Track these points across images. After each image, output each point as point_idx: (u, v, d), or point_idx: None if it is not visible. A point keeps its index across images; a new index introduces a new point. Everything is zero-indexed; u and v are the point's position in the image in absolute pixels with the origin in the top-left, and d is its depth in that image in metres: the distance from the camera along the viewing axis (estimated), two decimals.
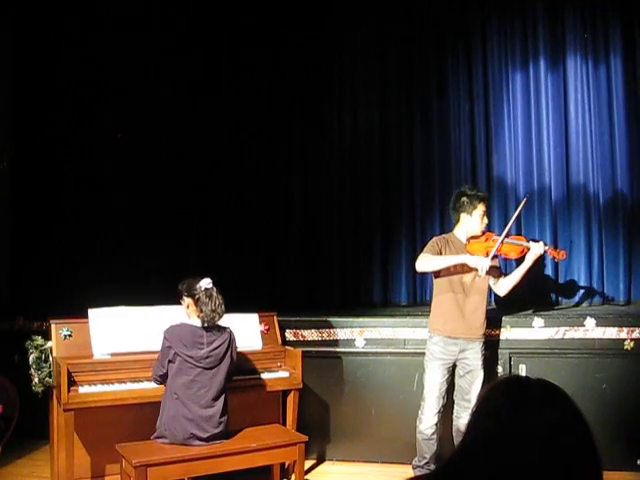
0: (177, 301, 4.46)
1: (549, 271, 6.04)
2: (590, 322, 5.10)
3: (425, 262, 4.79)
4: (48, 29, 6.83)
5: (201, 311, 4.29)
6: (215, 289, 4.37)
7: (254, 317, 5.36)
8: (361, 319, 5.61)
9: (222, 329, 4.41)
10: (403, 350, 5.41)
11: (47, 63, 6.81)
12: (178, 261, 6.52)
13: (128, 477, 4.08)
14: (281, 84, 6.95)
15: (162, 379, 4.33)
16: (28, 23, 6.76)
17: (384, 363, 5.48)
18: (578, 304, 5.92)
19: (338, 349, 5.57)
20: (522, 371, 5.13)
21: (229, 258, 6.86)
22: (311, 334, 5.62)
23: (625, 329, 5.05)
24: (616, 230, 5.92)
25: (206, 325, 4.31)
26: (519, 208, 5.05)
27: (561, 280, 6.06)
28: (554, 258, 5.12)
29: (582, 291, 5.95)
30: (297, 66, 6.92)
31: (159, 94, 6.81)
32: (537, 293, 5.99)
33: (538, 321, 5.20)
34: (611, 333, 5.07)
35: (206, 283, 4.36)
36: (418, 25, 6.64)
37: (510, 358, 5.21)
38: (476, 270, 4.72)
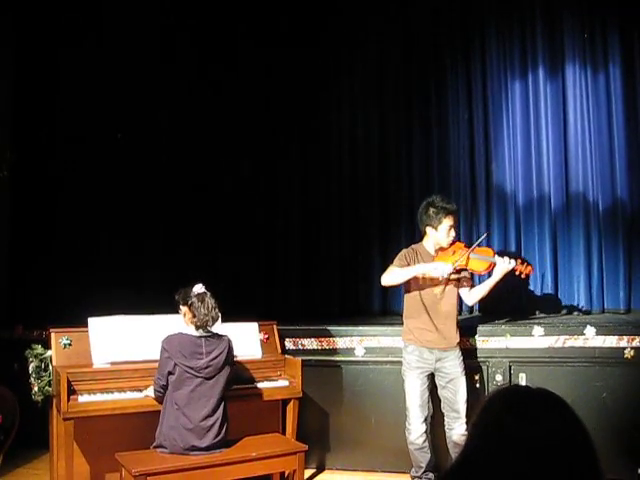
0: (175, 310, 4.48)
1: (548, 280, 6.03)
2: (590, 331, 5.09)
3: (387, 276, 4.85)
4: (48, 31, 6.85)
5: (194, 316, 4.31)
6: (208, 294, 4.39)
7: (254, 326, 5.36)
8: (361, 328, 5.60)
9: (220, 337, 4.42)
10: (402, 359, 5.40)
11: (47, 67, 6.82)
12: (176, 270, 6.51)
13: None
14: (280, 95, 6.97)
15: (164, 390, 4.33)
16: (29, 26, 6.77)
17: (384, 372, 5.47)
18: (578, 313, 5.91)
19: (338, 358, 5.56)
20: (522, 380, 5.12)
21: (228, 268, 6.86)
22: (311, 343, 5.61)
23: (625, 338, 5.04)
24: (616, 238, 5.93)
25: (202, 331, 4.32)
26: (478, 241, 5.01)
27: (560, 288, 6.06)
28: (521, 273, 4.92)
29: (582, 299, 5.95)
30: (296, 77, 6.93)
31: (160, 96, 6.82)
32: (536, 302, 6.00)
33: (538, 330, 5.19)
34: (611, 342, 5.06)
35: (198, 288, 4.39)
36: (417, 34, 6.66)
37: (510, 367, 5.20)
38: (445, 282, 4.78)
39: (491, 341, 5.24)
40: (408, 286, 4.88)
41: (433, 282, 4.82)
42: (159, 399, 4.42)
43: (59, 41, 6.87)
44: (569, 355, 5.12)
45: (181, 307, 4.42)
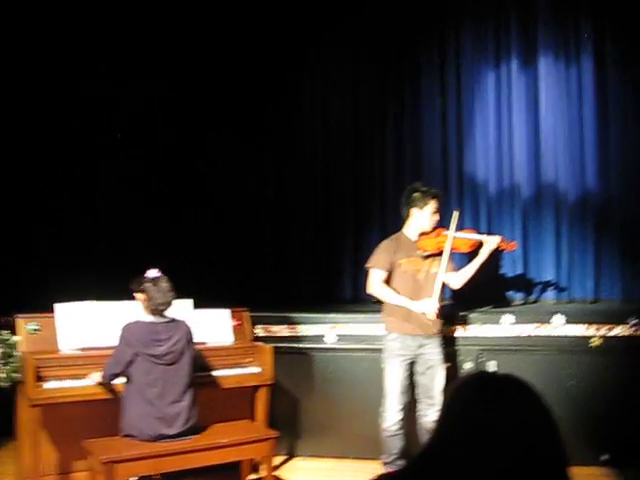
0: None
1: (518, 268, 6.09)
2: (558, 319, 5.15)
3: (377, 290, 4.86)
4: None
5: (150, 300, 4.27)
6: (164, 277, 4.35)
7: (225, 312, 5.34)
8: (332, 315, 5.61)
9: (179, 323, 4.39)
10: (374, 346, 5.40)
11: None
12: (147, 259, 6.43)
13: (96, 474, 4.04)
14: (250, 88, 6.89)
15: (115, 377, 4.30)
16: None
17: (355, 359, 5.48)
18: (547, 302, 5.98)
19: (309, 345, 5.56)
20: (492, 367, 5.17)
21: (199, 254, 6.82)
22: (282, 330, 5.60)
23: (593, 326, 5.10)
24: (584, 228, 6.00)
25: (159, 317, 4.29)
26: (454, 220, 4.91)
27: (530, 277, 6.12)
28: (504, 250, 5.11)
29: (551, 289, 6.02)
30: (266, 65, 6.86)
31: (146, 92, 6.73)
32: (506, 290, 6.06)
33: (507, 318, 5.24)
34: (578, 330, 5.13)
35: (153, 273, 4.35)
36: (392, 23, 6.64)
37: (479, 355, 5.25)
38: (429, 266, 4.80)
39: (461, 329, 5.27)
40: (391, 273, 4.88)
41: (416, 268, 4.82)
42: (107, 387, 4.40)
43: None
44: (537, 343, 5.18)
45: (137, 295, 4.37)
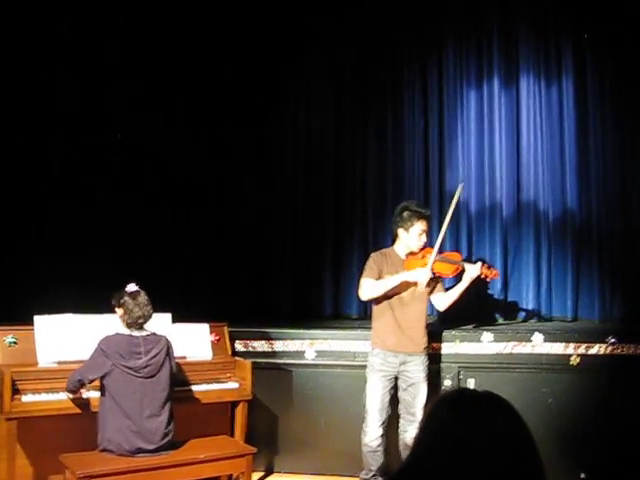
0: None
1: (498, 287, 6.11)
2: (538, 337, 5.17)
3: (367, 290, 4.86)
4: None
5: (128, 314, 4.27)
6: (142, 292, 4.37)
7: (204, 327, 5.32)
8: (312, 331, 5.60)
9: (158, 337, 4.39)
10: (353, 363, 5.41)
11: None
12: (124, 273, 6.38)
13: None
14: (234, 105, 6.91)
15: (80, 387, 4.29)
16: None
17: (334, 375, 5.47)
18: (526, 320, 6.01)
19: (288, 361, 5.55)
20: (471, 385, 5.17)
21: (177, 269, 6.78)
22: (261, 345, 5.59)
23: (571, 345, 5.13)
24: (564, 247, 6.03)
25: (137, 330, 4.28)
26: (439, 239, 4.97)
27: (510, 296, 6.15)
28: (486, 277, 5.09)
29: (530, 307, 6.04)
30: (250, 88, 6.88)
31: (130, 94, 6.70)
32: (486, 308, 6.07)
33: (487, 336, 5.26)
34: (558, 348, 5.15)
35: (130, 287, 4.37)
36: (375, 40, 6.69)
37: (459, 372, 5.26)
38: (415, 285, 4.81)
39: (441, 347, 5.28)
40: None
41: (402, 286, 4.83)
42: (83, 401, 4.40)
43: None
44: (517, 361, 5.20)
45: (116, 309, 4.39)
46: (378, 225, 6.63)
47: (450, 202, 5.09)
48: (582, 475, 4.98)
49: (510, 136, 6.21)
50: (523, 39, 6.21)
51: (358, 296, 5.06)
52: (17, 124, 6.23)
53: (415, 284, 4.83)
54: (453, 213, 5.06)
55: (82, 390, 4.40)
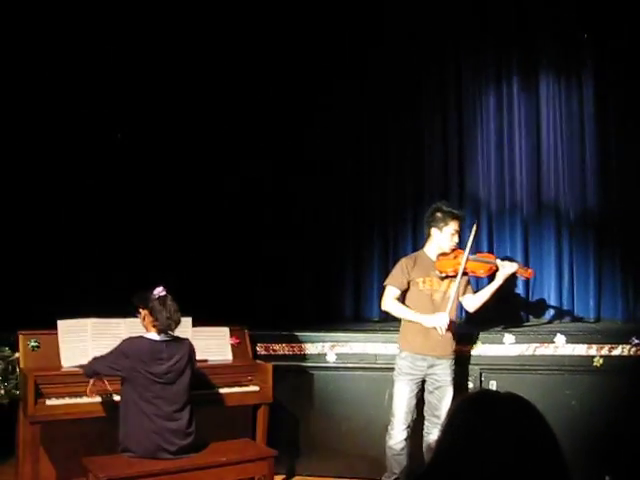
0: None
1: (520, 288, 6.08)
2: (560, 339, 5.14)
3: (389, 306, 4.92)
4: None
5: (156, 320, 4.24)
6: (169, 297, 4.32)
7: (225, 330, 5.34)
8: (332, 334, 5.59)
9: (181, 341, 4.38)
10: (374, 365, 5.41)
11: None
12: (145, 274, 6.41)
13: None
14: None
15: (96, 376, 4.30)
16: None
17: (355, 378, 5.46)
18: (548, 321, 5.97)
19: (309, 364, 5.55)
20: (492, 387, 5.14)
21: (199, 271, 6.80)
22: (282, 348, 5.59)
23: (594, 346, 5.08)
24: (586, 247, 5.99)
25: (163, 335, 4.26)
26: (471, 237, 4.96)
27: (532, 297, 6.11)
28: (522, 276, 5.18)
29: (552, 308, 6.00)
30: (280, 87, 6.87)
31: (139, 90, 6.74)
32: (508, 309, 6.02)
33: (509, 337, 5.22)
34: (581, 350, 5.11)
35: (159, 291, 4.31)
36: (395, 43, 6.64)
37: (481, 374, 5.23)
38: (447, 287, 4.79)
39: (462, 348, 5.25)
40: (407, 292, 4.90)
41: (433, 288, 4.84)
42: (108, 404, 4.43)
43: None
44: (539, 363, 5.16)
45: (140, 310, 4.35)
46: (398, 226, 6.61)
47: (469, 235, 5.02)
48: (606, 477, 4.93)
49: (530, 136, 6.18)
50: (542, 38, 6.17)
51: (380, 297, 5.04)
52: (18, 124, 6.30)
53: (447, 282, 4.83)
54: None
55: (103, 382, 4.41)
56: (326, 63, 6.78)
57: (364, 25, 6.72)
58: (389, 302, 4.91)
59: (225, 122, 6.87)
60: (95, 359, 4.31)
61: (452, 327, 4.82)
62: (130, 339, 4.26)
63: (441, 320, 4.68)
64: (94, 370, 4.29)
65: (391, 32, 6.65)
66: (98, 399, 4.49)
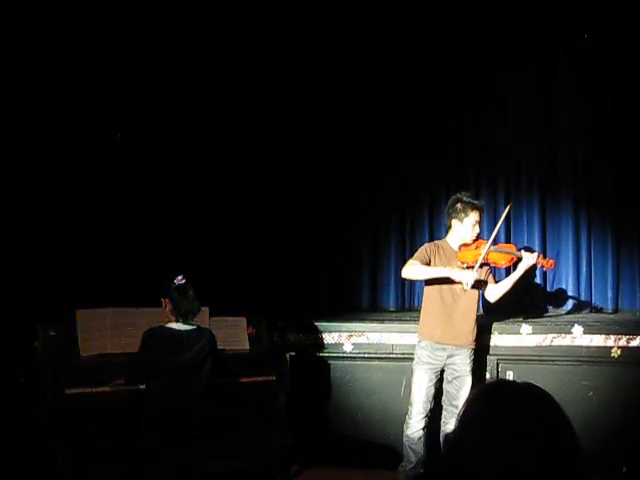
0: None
1: (538, 278, 6.05)
2: (578, 330, 5.12)
3: (410, 270, 4.85)
4: None
5: (175, 308, 4.28)
6: (189, 285, 4.35)
7: (242, 320, 5.36)
8: (349, 324, 5.60)
9: (202, 330, 4.41)
10: (391, 355, 5.41)
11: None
12: (165, 264, 6.44)
13: None
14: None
15: (137, 380, 4.33)
16: None
17: (371, 368, 5.47)
18: (566, 312, 5.94)
19: (326, 354, 5.56)
20: (509, 377, 5.13)
21: (216, 262, 6.81)
22: (299, 338, 5.61)
23: (612, 337, 5.06)
24: (605, 237, 5.95)
25: (183, 323, 4.29)
26: (503, 216, 5.07)
27: (549, 287, 6.09)
28: (543, 267, 5.19)
29: (570, 299, 5.98)
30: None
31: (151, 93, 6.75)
32: (525, 300, 6.01)
33: (526, 328, 5.21)
34: (598, 341, 5.09)
35: (178, 280, 4.35)
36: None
37: (498, 364, 5.22)
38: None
39: (479, 339, 5.24)
40: (429, 280, 4.89)
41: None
42: (128, 392, 4.44)
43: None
44: (556, 354, 5.15)
45: (162, 300, 4.39)
46: (415, 216, 6.58)
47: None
48: (624, 469, 4.92)
49: (547, 126, 6.14)
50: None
51: (396, 287, 5.04)
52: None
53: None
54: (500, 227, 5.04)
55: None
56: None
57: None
58: (411, 267, 4.84)
59: (224, 122, 6.84)
60: (130, 365, 4.35)
61: (474, 316, 4.83)
62: (150, 330, 4.29)
63: (469, 276, 4.69)
64: (134, 377, 4.34)
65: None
66: (117, 388, 4.52)
